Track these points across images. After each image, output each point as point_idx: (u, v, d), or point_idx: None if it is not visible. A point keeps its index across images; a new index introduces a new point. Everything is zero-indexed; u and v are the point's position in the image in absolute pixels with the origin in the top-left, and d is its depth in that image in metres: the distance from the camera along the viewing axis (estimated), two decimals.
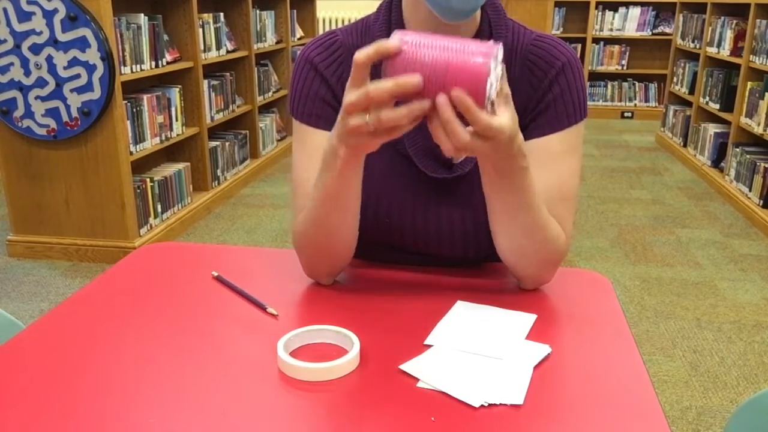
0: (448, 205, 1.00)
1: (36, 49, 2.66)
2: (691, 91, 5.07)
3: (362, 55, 0.74)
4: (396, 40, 0.74)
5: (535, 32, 1.02)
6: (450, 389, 0.75)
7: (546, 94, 0.98)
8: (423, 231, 1.04)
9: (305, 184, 1.00)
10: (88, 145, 2.81)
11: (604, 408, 0.73)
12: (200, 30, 3.57)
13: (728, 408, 2.01)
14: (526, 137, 0.99)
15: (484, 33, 1.00)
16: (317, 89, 1.02)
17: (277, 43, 4.80)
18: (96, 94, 2.69)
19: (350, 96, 0.76)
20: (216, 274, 1.04)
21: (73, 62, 2.66)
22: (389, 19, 1.01)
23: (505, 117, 0.76)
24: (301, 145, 1.03)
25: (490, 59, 0.72)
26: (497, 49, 0.74)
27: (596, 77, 6.68)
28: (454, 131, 0.74)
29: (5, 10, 2.63)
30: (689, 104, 5.11)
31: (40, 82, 2.70)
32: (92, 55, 2.65)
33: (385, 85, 0.73)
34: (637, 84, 6.69)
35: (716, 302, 2.69)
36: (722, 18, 4.56)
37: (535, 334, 0.88)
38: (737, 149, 4.02)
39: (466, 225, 1.02)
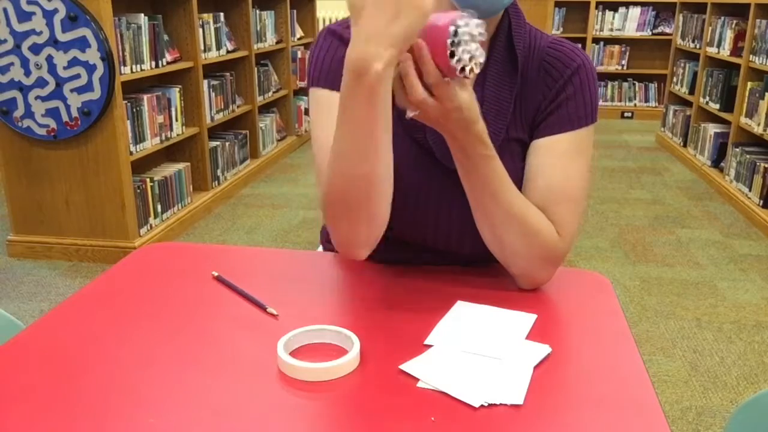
0: (461, 200, 1.00)
1: (36, 49, 2.66)
2: (691, 91, 5.07)
3: None
4: None
5: (551, 36, 1.04)
6: (450, 389, 0.75)
7: (559, 94, 1.00)
8: (434, 224, 1.04)
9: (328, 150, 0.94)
10: (88, 145, 2.81)
11: (604, 408, 0.73)
12: (200, 30, 3.57)
13: (728, 408, 2.01)
14: (537, 136, 1.01)
15: (502, 34, 1.01)
16: (342, 54, 0.99)
17: (277, 43, 4.80)
18: (96, 94, 2.69)
19: None
20: (216, 274, 1.04)
21: (73, 62, 2.66)
22: None
23: (462, 93, 0.81)
24: (325, 112, 0.98)
25: (450, 23, 0.78)
26: (464, 19, 0.79)
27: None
28: (411, 84, 0.79)
29: (5, 10, 2.63)
30: (689, 104, 5.11)
31: (40, 82, 2.70)
32: (92, 55, 2.65)
33: None
34: (637, 84, 6.69)
35: (716, 302, 2.69)
36: (722, 18, 4.56)
37: (535, 334, 0.88)
38: (737, 149, 4.02)
39: (462, 219, 1.02)
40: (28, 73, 2.69)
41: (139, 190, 3.01)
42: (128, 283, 1.03)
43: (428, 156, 1.02)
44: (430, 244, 1.07)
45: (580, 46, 1.05)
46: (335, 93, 0.95)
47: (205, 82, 3.66)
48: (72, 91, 2.70)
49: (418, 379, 0.77)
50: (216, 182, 3.86)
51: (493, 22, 1.01)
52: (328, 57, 1.02)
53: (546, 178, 0.98)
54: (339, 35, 1.02)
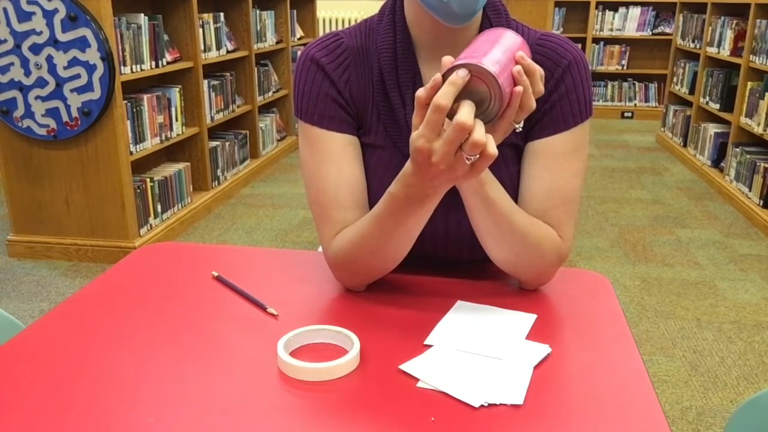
0: (455, 210, 1.00)
1: (36, 49, 2.66)
2: (691, 91, 5.07)
3: (422, 93, 0.76)
4: (463, 73, 0.75)
5: (540, 32, 1.02)
6: (450, 389, 0.75)
7: (552, 93, 0.98)
8: (430, 235, 1.03)
9: (329, 192, 0.98)
10: (88, 145, 2.81)
11: (604, 408, 0.73)
12: (200, 30, 3.57)
13: (728, 408, 2.01)
14: (531, 138, 0.99)
15: None
16: (327, 90, 0.99)
17: (277, 43, 4.80)
18: (96, 94, 2.69)
19: (415, 121, 0.78)
20: (216, 274, 1.04)
21: (73, 62, 2.66)
22: (393, 20, 1.01)
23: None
24: (315, 151, 0.99)
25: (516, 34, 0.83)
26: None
27: (596, 77, 6.68)
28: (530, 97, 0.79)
29: (5, 10, 2.63)
30: (689, 104, 5.11)
31: (40, 82, 2.70)
32: (92, 55, 2.65)
33: (443, 91, 0.75)
34: (637, 84, 6.69)
35: (716, 302, 2.69)
36: (722, 18, 4.56)
37: (535, 334, 0.88)
38: (737, 149, 4.02)
39: (473, 229, 1.02)
40: (28, 73, 2.69)
41: (139, 190, 3.01)
42: (128, 283, 1.03)
43: None
44: (429, 252, 1.07)
45: (579, 46, 1.04)
46: (320, 131, 0.99)
47: (205, 82, 3.66)
48: (72, 91, 2.70)
49: (418, 379, 0.77)
50: (216, 182, 3.86)
51: (473, 24, 0.99)
52: (313, 91, 0.99)
53: (545, 182, 0.97)
54: (320, 66, 1.00)
